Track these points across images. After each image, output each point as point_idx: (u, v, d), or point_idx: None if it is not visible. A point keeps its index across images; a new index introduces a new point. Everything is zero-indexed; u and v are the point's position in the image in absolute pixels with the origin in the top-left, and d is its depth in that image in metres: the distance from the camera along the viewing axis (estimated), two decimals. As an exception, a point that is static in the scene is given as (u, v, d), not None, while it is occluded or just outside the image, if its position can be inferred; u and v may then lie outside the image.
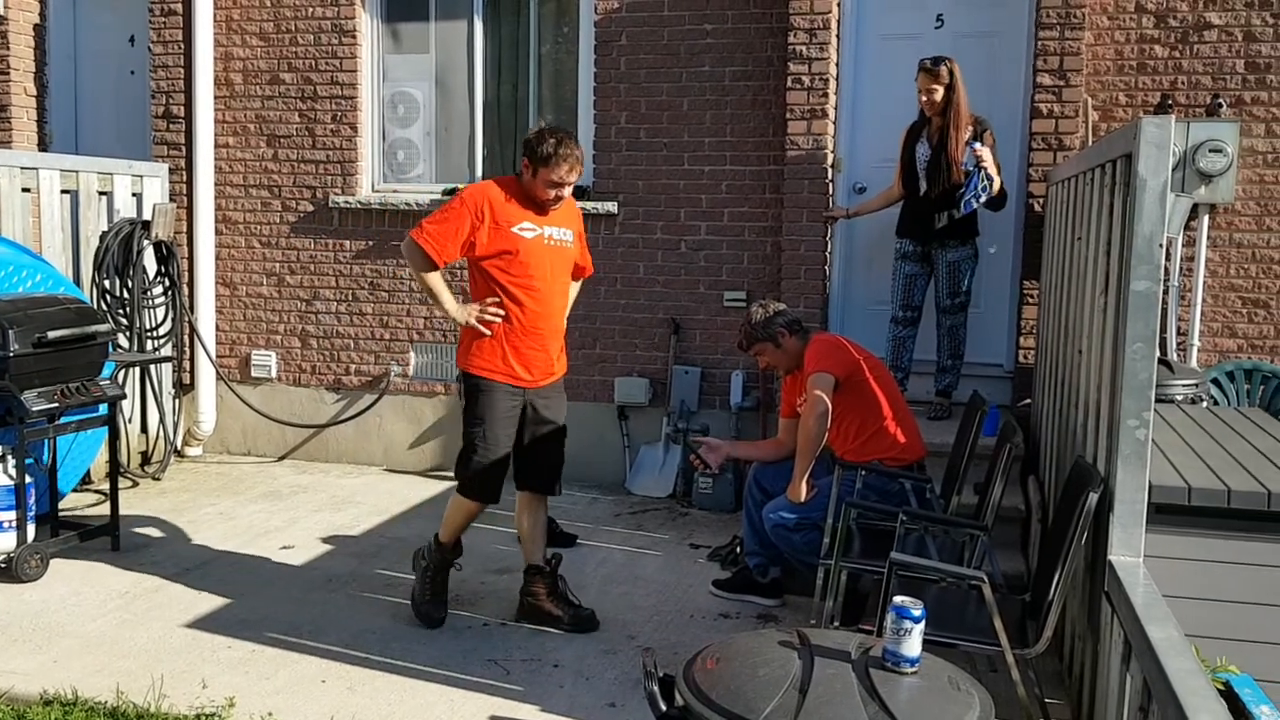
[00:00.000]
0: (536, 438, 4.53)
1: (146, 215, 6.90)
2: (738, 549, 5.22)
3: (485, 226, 4.29)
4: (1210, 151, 5.67)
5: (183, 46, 7.22)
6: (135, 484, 6.63)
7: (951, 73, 5.51)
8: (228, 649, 4.25)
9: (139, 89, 7.67)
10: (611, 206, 6.66)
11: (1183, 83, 5.86)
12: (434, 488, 6.71)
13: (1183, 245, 5.88)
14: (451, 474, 6.93)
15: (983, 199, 5.46)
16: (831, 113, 6.18)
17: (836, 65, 6.22)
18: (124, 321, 6.60)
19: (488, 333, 4.35)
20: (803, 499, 4.52)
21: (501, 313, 4.35)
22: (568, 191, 4.37)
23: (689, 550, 5.61)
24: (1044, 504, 4.70)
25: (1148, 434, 3.12)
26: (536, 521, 4.64)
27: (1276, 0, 5.70)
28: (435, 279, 4.41)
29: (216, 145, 7.32)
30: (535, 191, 4.33)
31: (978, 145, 5.47)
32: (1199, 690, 2.26)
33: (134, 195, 6.97)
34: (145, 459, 7.00)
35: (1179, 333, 5.93)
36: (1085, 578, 3.57)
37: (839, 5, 6.17)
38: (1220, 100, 5.78)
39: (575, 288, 4.72)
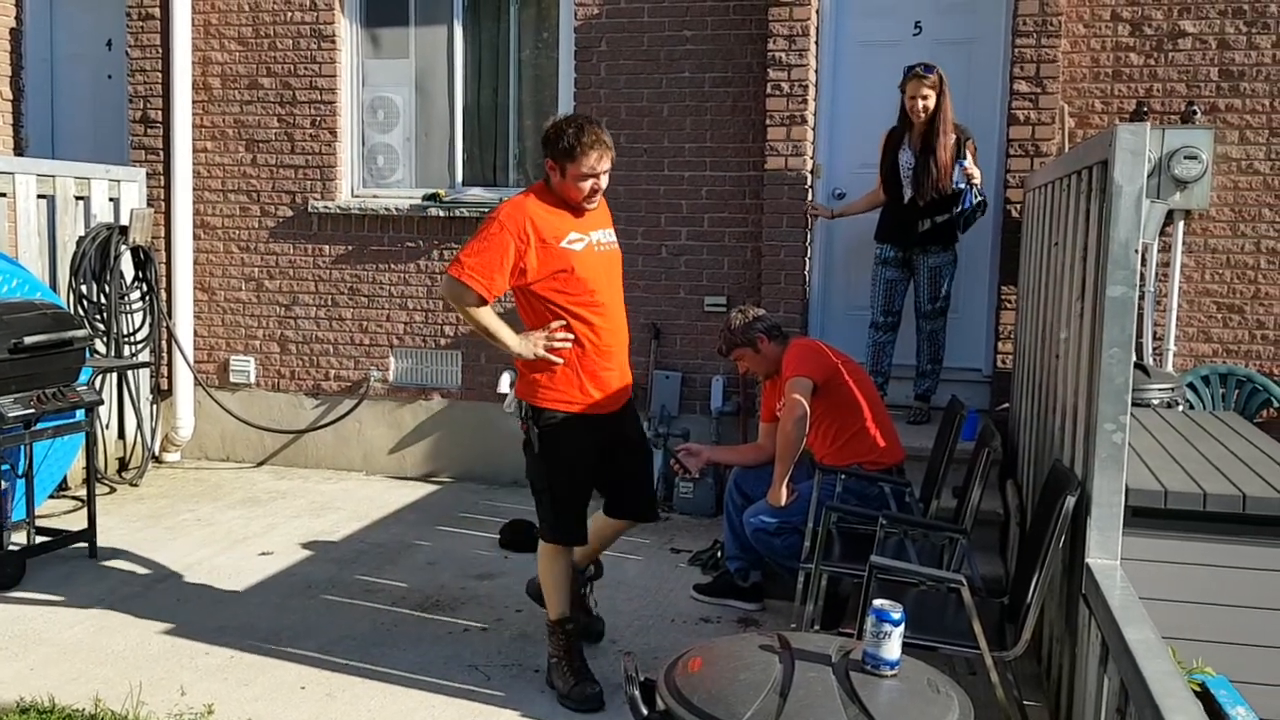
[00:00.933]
0: (624, 464, 4.11)
1: (124, 220, 6.86)
2: (719, 553, 5.23)
3: (532, 248, 3.75)
4: (1185, 158, 5.73)
5: (160, 51, 7.19)
6: (113, 490, 6.59)
7: (941, 79, 5.55)
8: (206, 655, 4.23)
9: (116, 93, 7.62)
10: (592, 212, 6.66)
11: (1158, 90, 5.92)
12: (414, 492, 6.70)
13: (1158, 251, 5.93)
14: (433, 477, 6.97)
15: (973, 209, 5.54)
16: (811, 119, 6.21)
17: (816, 72, 6.25)
18: (101, 327, 6.56)
19: (559, 361, 3.85)
20: (783, 503, 4.54)
21: (570, 337, 3.84)
22: (604, 182, 3.84)
23: (670, 555, 5.61)
24: (1022, 507, 4.73)
25: (1124, 438, 3.15)
26: (616, 536, 4.33)
27: (1250, 8, 5.77)
28: (487, 315, 3.83)
29: (195, 150, 7.28)
30: (568, 194, 3.82)
31: (967, 164, 5.52)
32: (1175, 692, 2.28)
33: (111, 200, 6.93)
34: (123, 465, 6.96)
35: (1155, 337, 5.98)
36: (1063, 580, 3.60)
37: (818, 12, 6.20)
38: (1195, 107, 5.84)
39: None
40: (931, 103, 5.55)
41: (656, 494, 4.12)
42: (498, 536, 5.70)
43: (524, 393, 3.97)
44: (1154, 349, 5.98)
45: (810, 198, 6.21)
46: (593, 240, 3.89)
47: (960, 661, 4.06)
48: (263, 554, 5.47)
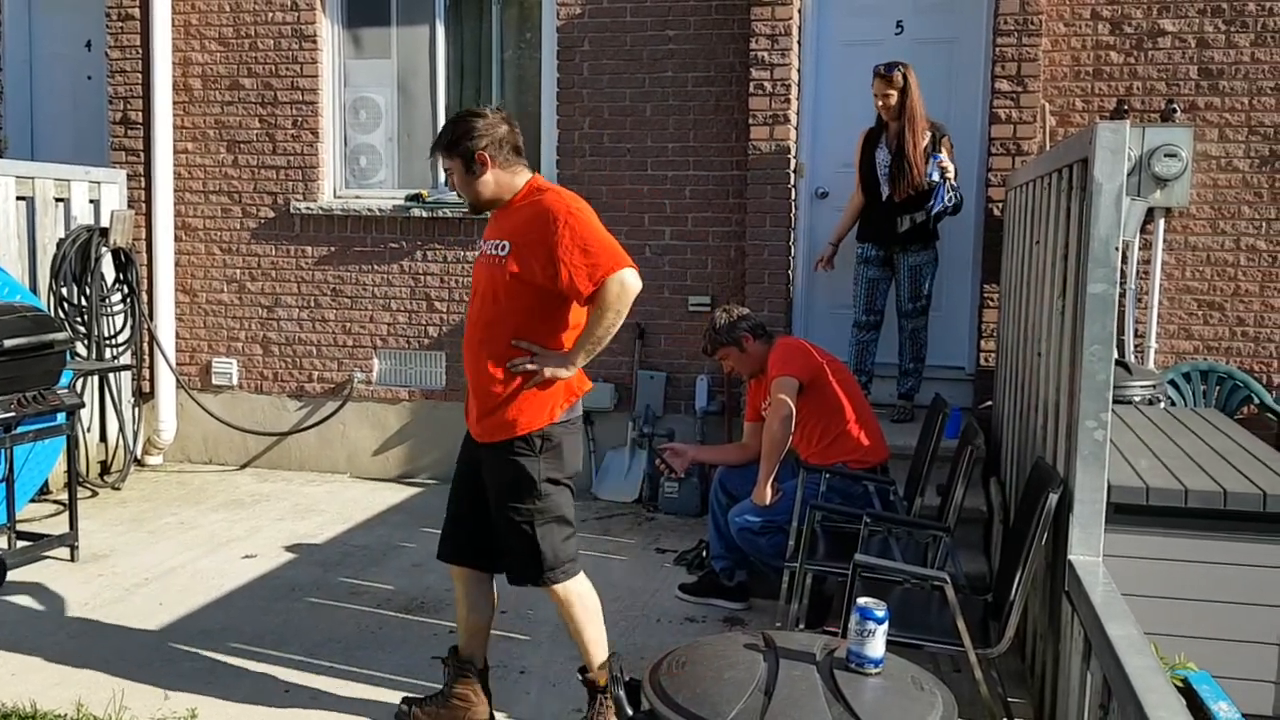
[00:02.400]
0: (484, 509, 3.63)
1: (104, 222, 6.82)
2: (704, 553, 5.23)
3: None
4: (1165, 156, 5.76)
5: (141, 51, 7.15)
6: (94, 494, 6.55)
7: (905, 78, 5.57)
8: (189, 660, 4.20)
9: (96, 94, 7.57)
10: (575, 212, 6.65)
11: (1138, 88, 5.95)
12: (398, 494, 6.68)
13: (1139, 249, 5.97)
14: (418, 478, 6.95)
15: (950, 207, 5.54)
16: (793, 118, 6.22)
17: (798, 71, 6.26)
18: (82, 329, 6.52)
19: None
20: (768, 502, 4.54)
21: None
22: (455, 180, 3.60)
23: (655, 554, 5.61)
24: (1005, 505, 4.75)
25: (1106, 435, 3.16)
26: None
27: (1228, 7, 5.81)
28: None
29: (175, 151, 7.25)
30: None
31: (941, 157, 5.54)
32: (1158, 688, 2.29)
33: (91, 202, 6.88)
34: (104, 468, 6.91)
35: (1136, 335, 6.01)
36: (1046, 577, 3.62)
37: (800, 12, 6.21)
38: (1174, 105, 5.88)
39: (591, 313, 3.50)
40: (895, 101, 5.59)
41: (530, 566, 3.50)
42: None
43: (521, 425, 3.54)
44: (1135, 346, 6.01)
45: (791, 211, 6.21)
46: (485, 248, 3.55)
47: (945, 659, 4.08)
48: (246, 557, 5.45)
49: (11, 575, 4.99)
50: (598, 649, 3.52)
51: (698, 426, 6.53)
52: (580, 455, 3.67)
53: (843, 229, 6.05)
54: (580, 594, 3.55)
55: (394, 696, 3.90)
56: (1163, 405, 5.35)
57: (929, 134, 5.62)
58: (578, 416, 3.60)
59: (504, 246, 3.44)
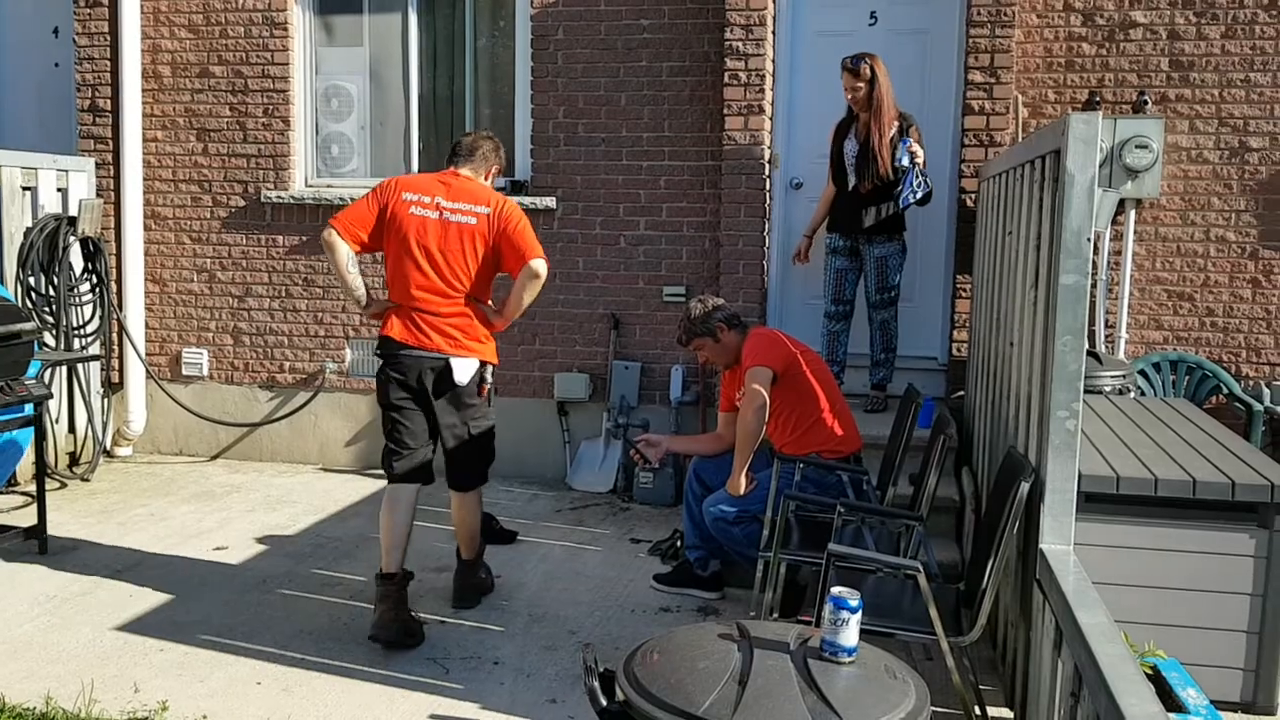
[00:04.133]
0: None
1: (73, 211, 6.74)
2: (678, 543, 5.24)
3: None
4: (1136, 147, 5.80)
5: (109, 38, 7.06)
6: (64, 485, 6.48)
7: (872, 69, 5.59)
8: (160, 652, 4.17)
9: (64, 82, 7.48)
10: (550, 201, 6.64)
11: (1110, 80, 5.99)
12: (370, 485, 6.65)
13: (1110, 239, 6.01)
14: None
15: (919, 194, 5.54)
16: (768, 108, 6.22)
17: (773, 62, 6.26)
18: (50, 319, 6.45)
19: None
20: (742, 492, 4.55)
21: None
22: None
23: (630, 545, 5.61)
24: (977, 494, 4.78)
25: (1077, 424, 3.18)
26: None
27: None
28: None
29: (145, 139, 7.17)
30: None
31: (910, 142, 5.54)
32: (1128, 675, 2.30)
33: (59, 190, 6.80)
34: (74, 460, 6.84)
35: (1107, 325, 6.06)
36: (1018, 566, 3.64)
37: (774, 2, 6.20)
38: (1146, 97, 5.92)
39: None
40: (863, 94, 5.61)
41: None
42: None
43: (484, 354, 4.44)
44: (1106, 336, 6.06)
45: (765, 202, 6.21)
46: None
47: (917, 647, 4.11)
48: (217, 549, 5.41)
49: (-22, 568, 4.94)
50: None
51: (672, 417, 6.54)
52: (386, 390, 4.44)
53: (816, 221, 6.07)
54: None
55: (368, 689, 3.89)
56: (1133, 395, 5.39)
57: (897, 124, 5.64)
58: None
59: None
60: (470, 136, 4.61)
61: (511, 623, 4.53)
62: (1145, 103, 5.91)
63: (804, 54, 6.38)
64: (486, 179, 4.56)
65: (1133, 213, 5.98)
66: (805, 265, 6.12)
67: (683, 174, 6.50)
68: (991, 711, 3.68)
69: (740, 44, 6.12)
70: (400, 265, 4.31)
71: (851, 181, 5.75)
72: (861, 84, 5.59)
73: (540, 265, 4.29)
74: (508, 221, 4.33)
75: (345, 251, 4.28)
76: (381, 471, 6.76)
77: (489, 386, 4.49)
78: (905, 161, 5.54)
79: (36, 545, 5.26)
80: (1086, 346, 3.53)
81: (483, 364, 4.42)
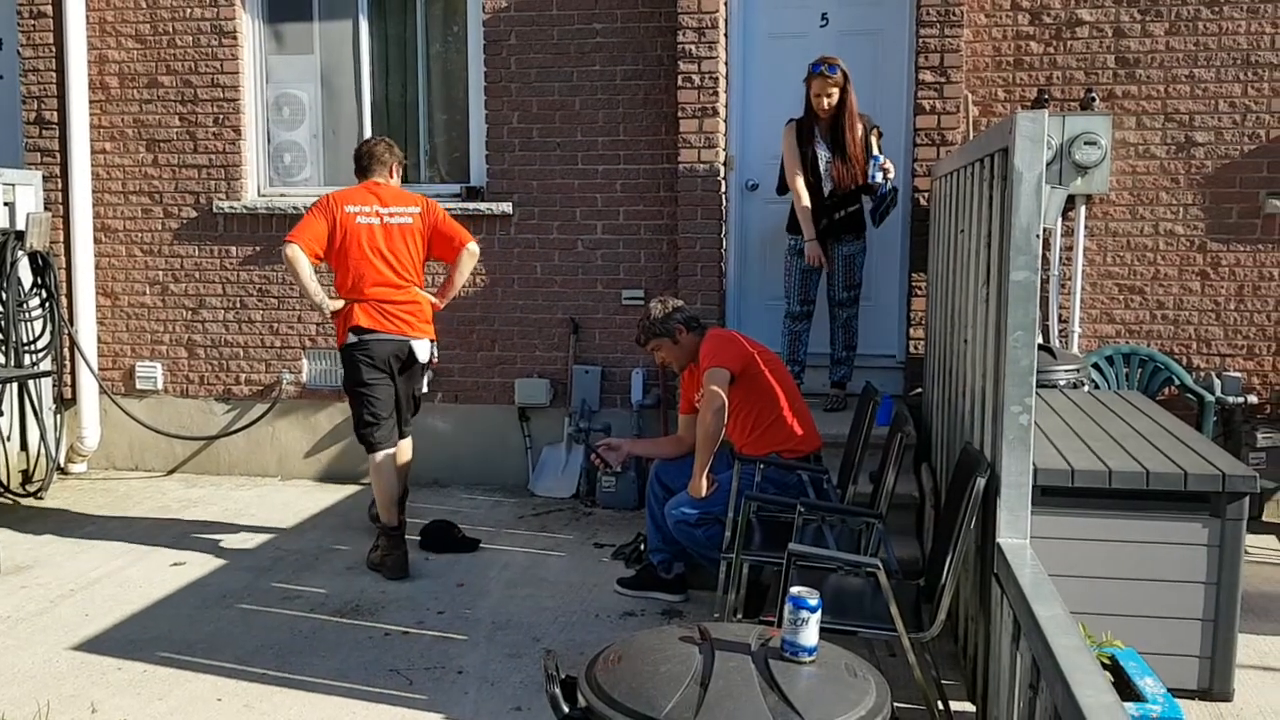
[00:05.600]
0: None
1: (20, 225, 6.63)
2: (641, 546, 5.23)
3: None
4: (1085, 144, 5.87)
5: (54, 49, 6.95)
6: (16, 504, 6.37)
7: (845, 75, 5.61)
8: (118, 671, 4.11)
9: (9, 94, 7.36)
10: (506, 207, 6.62)
11: (1058, 78, 6.07)
12: (330, 496, 6.59)
13: (1062, 235, 6.08)
14: (351, 481, 6.86)
15: (890, 201, 5.62)
16: (722, 111, 6.24)
17: (726, 64, 6.28)
18: (-2, 336, 6.34)
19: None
20: (703, 494, 4.56)
21: None
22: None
23: (593, 549, 5.61)
24: (936, 490, 4.81)
25: (1030, 419, 3.22)
26: None
27: (1143, -2, 5.94)
28: None
29: (93, 151, 7.07)
30: None
31: (882, 159, 5.58)
32: (1084, 666, 2.33)
33: (6, 205, 6.68)
34: (26, 478, 6.72)
35: (1060, 319, 6.13)
36: (976, 560, 3.67)
37: (726, 4, 6.22)
38: (1093, 94, 6.00)
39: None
40: (835, 99, 5.63)
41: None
42: (419, 538, 5.64)
43: (431, 334, 5.30)
44: (1059, 331, 6.13)
45: (723, 204, 6.21)
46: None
47: (880, 644, 4.13)
48: (175, 565, 5.34)
49: (-71, 591, 4.85)
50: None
51: (634, 420, 6.54)
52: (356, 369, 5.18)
53: (805, 220, 5.87)
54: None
55: (330, 702, 3.85)
56: (1086, 389, 5.46)
57: (861, 127, 5.68)
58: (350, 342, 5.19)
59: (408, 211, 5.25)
60: (366, 146, 5.30)
61: (475, 631, 4.51)
62: (1093, 100, 5.99)
63: (757, 56, 6.40)
64: (394, 177, 5.29)
65: (1083, 208, 6.06)
66: (822, 265, 5.81)
67: (639, 177, 6.51)
68: (954, 705, 3.71)
69: (693, 47, 6.14)
70: (358, 267, 5.08)
71: (827, 188, 5.76)
72: (835, 89, 5.61)
73: (475, 246, 5.22)
74: (437, 215, 5.25)
75: (308, 265, 5.02)
76: (341, 482, 6.74)
77: (435, 359, 5.40)
78: (879, 178, 5.58)
79: (-11, 566, 5.18)
80: (1039, 341, 3.57)
81: (432, 341, 5.30)
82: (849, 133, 5.65)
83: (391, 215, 5.13)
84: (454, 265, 5.23)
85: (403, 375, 5.24)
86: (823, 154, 5.75)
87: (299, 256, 4.96)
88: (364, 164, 5.24)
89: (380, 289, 5.09)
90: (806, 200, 5.75)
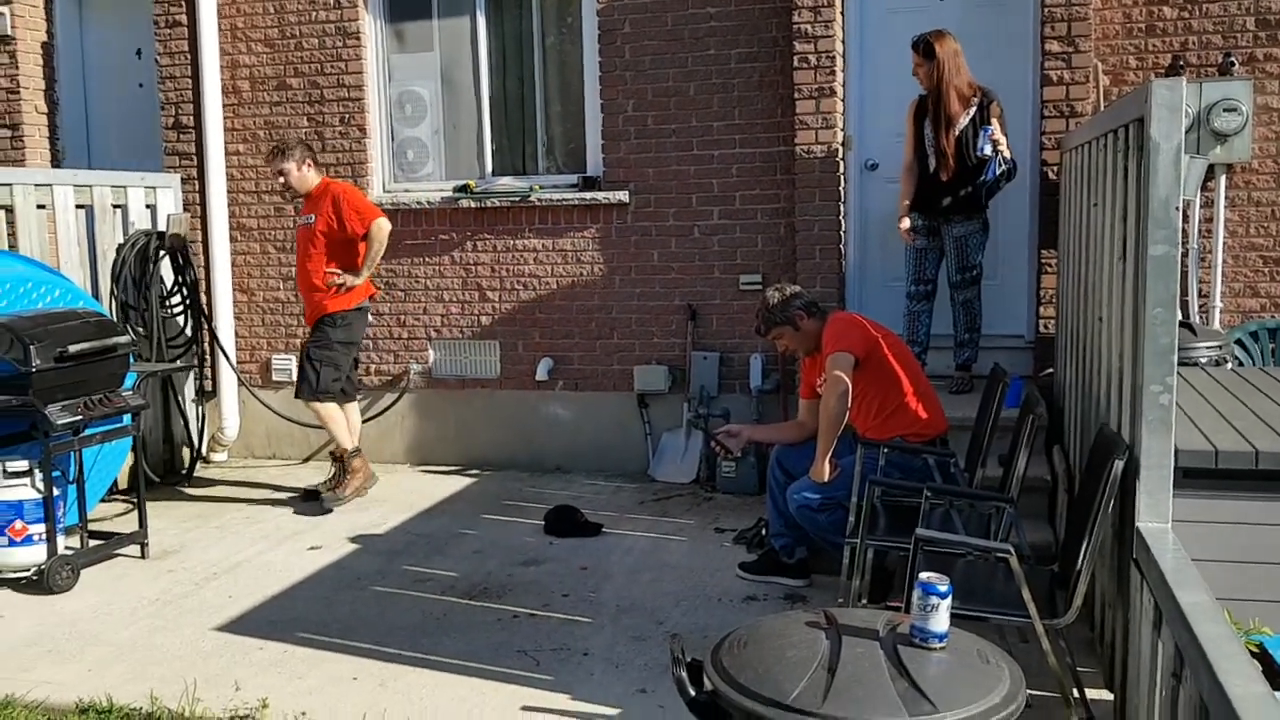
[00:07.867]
0: None
1: (161, 226, 6.94)
2: (763, 531, 5.20)
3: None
4: (1224, 111, 5.60)
5: (189, 57, 7.25)
6: (162, 492, 6.67)
7: (930, 47, 5.46)
8: (259, 651, 4.28)
9: (148, 101, 7.70)
10: (623, 195, 6.65)
11: (1193, 43, 5.80)
12: (458, 483, 6.74)
13: (1201, 206, 5.82)
14: (476, 467, 7.01)
15: (1000, 177, 5.44)
16: (840, 90, 6.14)
17: (843, 42, 6.18)
18: (143, 332, 6.64)
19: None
20: (826, 479, 4.51)
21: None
22: (288, 181, 6.25)
23: (714, 534, 5.60)
24: (1069, 473, 4.67)
25: (1171, 399, 3.10)
26: None
27: (1286, -46, 5.63)
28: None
29: (227, 153, 7.34)
30: None
31: (992, 129, 5.43)
32: (1232, 654, 2.24)
33: (148, 207, 7.00)
34: (171, 467, 7.05)
35: (1200, 295, 5.87)
36: (1113, 546, 3.55)
37: (842, -19, 6.12)
38: (1232, 59, 5.71)
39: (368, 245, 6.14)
40: (926, 73, 5.50)
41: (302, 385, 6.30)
42: (542, 523, 5.73)
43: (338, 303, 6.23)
44: (1200, 306, 5.87)
45: (840, 186, 6.11)
46: (300, 220, 6.40)
47: (1011, 631, 4.03)
48: (312, 549, 5.53)
49: (84, 573, 5.12)
50: (342, 440, 6.38)
51: (753, 405, 6.51)
52: (363, 329, 6.54)
53: (903, 199, 5.81)
54: (328, 411, 6.30)
55: (461, 681, 3.94)
56: (1229, 366, 5.22)
57: (976, 103, 5.52)
58: (366, 308, 6.45)
59: (311, 217, 6.21)
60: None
61: (599, 614, 4.56)
62: (1232, 64, 5.70)
63: (875, 32, 6.28)
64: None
65: (1223, 178, 5.78)
66: (911, 241, 5.79)
67: (755, 161, 6.46)
68: (1091, 694, 3.60)
69: (809, 26, 6.06)
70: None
71: (932, 165, 5.64)
72: (921, 63, 5.50)
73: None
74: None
75: None
76: (467, 468, 6.88)
77: None
78: (988, 150, 5.42)
79: (138, 550, 5.44)
80: (1179, 318, 3.43)
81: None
82: (948, 108, 5.50)
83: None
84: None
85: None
86: (929, 132, 5.63)
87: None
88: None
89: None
90: (906, 178, 5.70)
